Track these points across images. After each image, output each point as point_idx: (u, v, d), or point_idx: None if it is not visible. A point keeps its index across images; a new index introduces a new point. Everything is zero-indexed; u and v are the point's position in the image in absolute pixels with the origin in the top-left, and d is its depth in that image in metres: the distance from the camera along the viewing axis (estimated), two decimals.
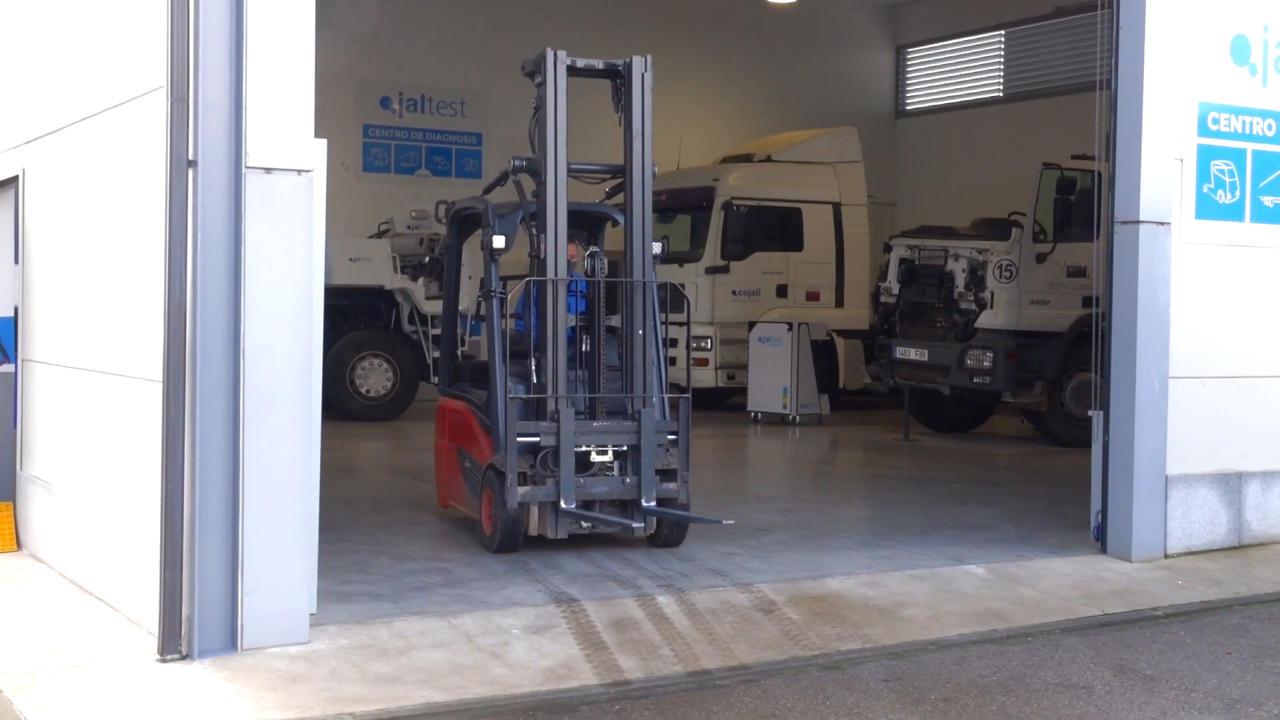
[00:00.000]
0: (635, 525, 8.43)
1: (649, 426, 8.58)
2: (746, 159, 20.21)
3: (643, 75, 9.03)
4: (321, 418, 7.17)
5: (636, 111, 9.06)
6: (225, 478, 6.49)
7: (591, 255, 9.06)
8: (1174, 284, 9.32)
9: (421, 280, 18.23)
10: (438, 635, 6.94)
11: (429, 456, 14.52)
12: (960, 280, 16.01)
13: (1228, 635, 7.54)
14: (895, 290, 16.92)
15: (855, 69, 25.67)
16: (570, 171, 8.89)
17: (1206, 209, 9.54)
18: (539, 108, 8.90)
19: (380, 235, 18.83)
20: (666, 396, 9.00)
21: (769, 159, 20.09)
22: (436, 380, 10.02)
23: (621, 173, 9.13)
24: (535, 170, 8.83)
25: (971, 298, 15.87)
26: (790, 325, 17.85)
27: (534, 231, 8.81)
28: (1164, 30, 9.27)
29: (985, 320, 15.70)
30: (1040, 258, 15.45)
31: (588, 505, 8.51)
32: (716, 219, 19.13)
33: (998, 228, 16.02)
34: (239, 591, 6.50)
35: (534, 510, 8.54)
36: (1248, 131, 9.71)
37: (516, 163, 9.04)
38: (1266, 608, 8.22)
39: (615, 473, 8.62)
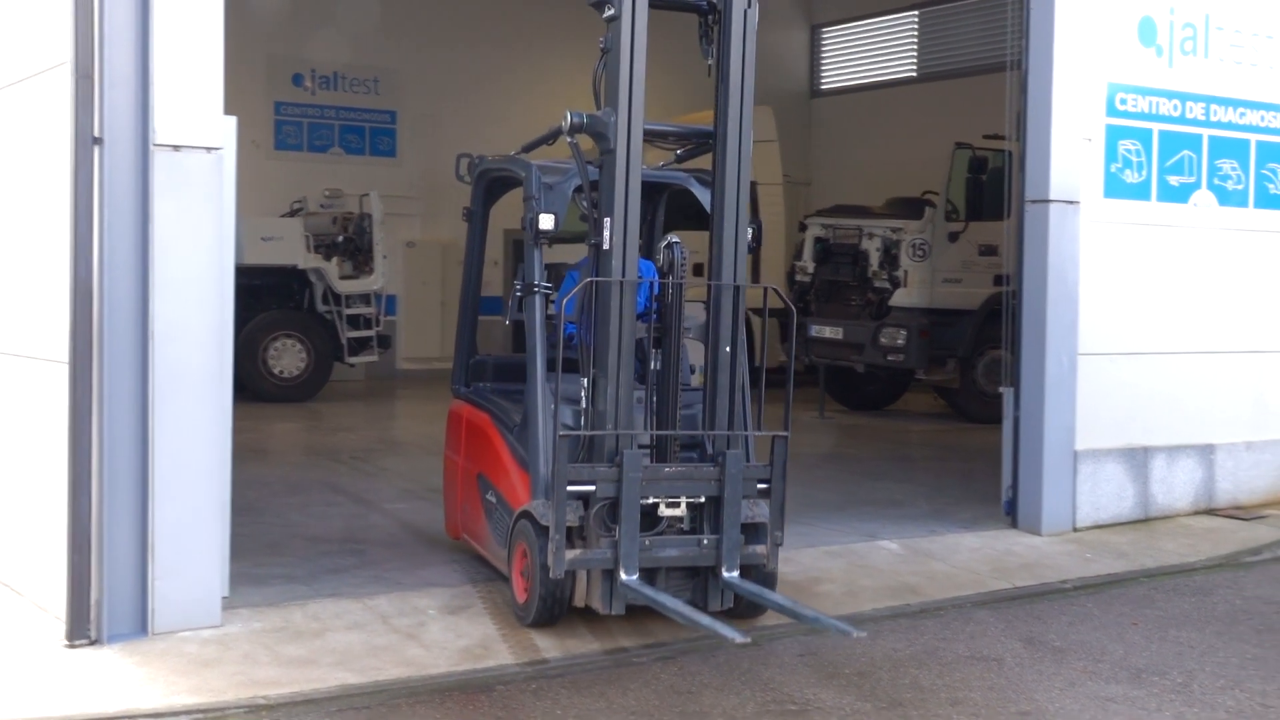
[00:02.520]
0: (736, 637, 5.82)
1: (735, 473, 6.49)
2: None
3: (745, 12, 6.71)
4: (233, 399, 7.09)
5: (735, 59, 6.74)
6: (134, 460, 6.39)
7: (669, 245, 6.70)
8: (1083, 262, 9.46)
9: (335, 260, 18.07)
10: (352, 617, 6.90)
11: (344, 438, 14.51)
12: (874, 259, 16.16)
13: (1134, 606, 7.68)
14: (810, 269, 17.03)
15: (770, 48, 25.59)
16: (645, 134, 6.69)
17: (1114, 188, 9.68)
18: (607, 49, 6.73)
19: (293, 214, 18.62)
20: (755, 435, 6.88)
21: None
22: (452, 385, 8.34)
23: (709, 139, 6.90)
24: (599, 129, 6.61)
25: (885, 276, 16.02)
26: (706, 305, 17.84)
27: (592, 210, 6.65)
28: (1073, 12, 9.40)
29: (899, 298, 15.85)
30: (953, 236, 15.62)
31: (651, 573, 6.49)
32: None
33: (911, 207, 16.17)
34: (149, 575, 6.41)
35: (582, 576, 6.55)
36: (1154, 112, 9.87)
37: (574, 118, 6.70)
38: (1171, 579, 8.38)
39: (688, 529, 6.60)
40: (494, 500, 7.32)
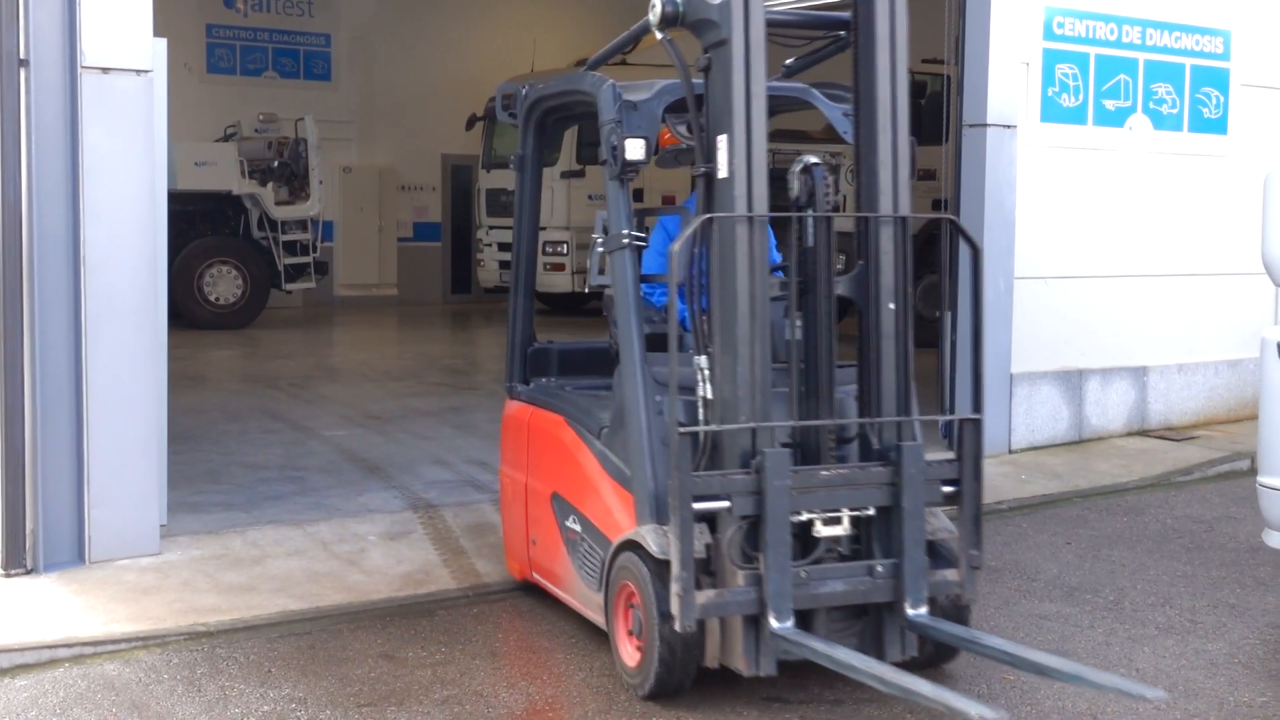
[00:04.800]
0: (986, 714, 3.96)
1: (915, 473, 4.77)
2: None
3: None
4: (169, 327, 7.02)
5: None
6: (68, 389, 6.33)
7: (807, 169, 4.93)
8: (1020, 186, 9.51)
9: (270, 185, 17.88)
10: (293, 544, 6.89)
11: (282, 366, 14.43)
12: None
13: (1068, 526, 7.80)
14: None
15: None
16: (768, 24, 4.86)
17: (1051, 112, 9.72)
18: None
19: (227, 139, 18.38)
20: (922, 420, 5.06)
21: (624, 62, 19.93)
22: (507, 381, 6.45)
23: (846, 29, 5.23)
24: (703, 17, 4.83)
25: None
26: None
27: (700, 130, 4.88)
28: None
29: (839, 224, 15.84)
30: None
31: (808, 616, 4.70)
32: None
33: None
34: (85, 504, 6.36)
35: (713, 626, 4.74)
36: (1091, 35, 9.89)
37: (667, 6, 4.95)
38: (1104, 499, 8.52)
39: (847, 553, 4.86)
40: (578, 529, 5.53)
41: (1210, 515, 8.11)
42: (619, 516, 5.19)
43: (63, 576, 6.25)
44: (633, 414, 5.06)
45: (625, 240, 5.18)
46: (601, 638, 5.39)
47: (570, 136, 18.93)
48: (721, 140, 4.77)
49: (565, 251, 19.06)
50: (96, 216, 6.30)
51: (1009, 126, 9.42)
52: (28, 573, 6.25)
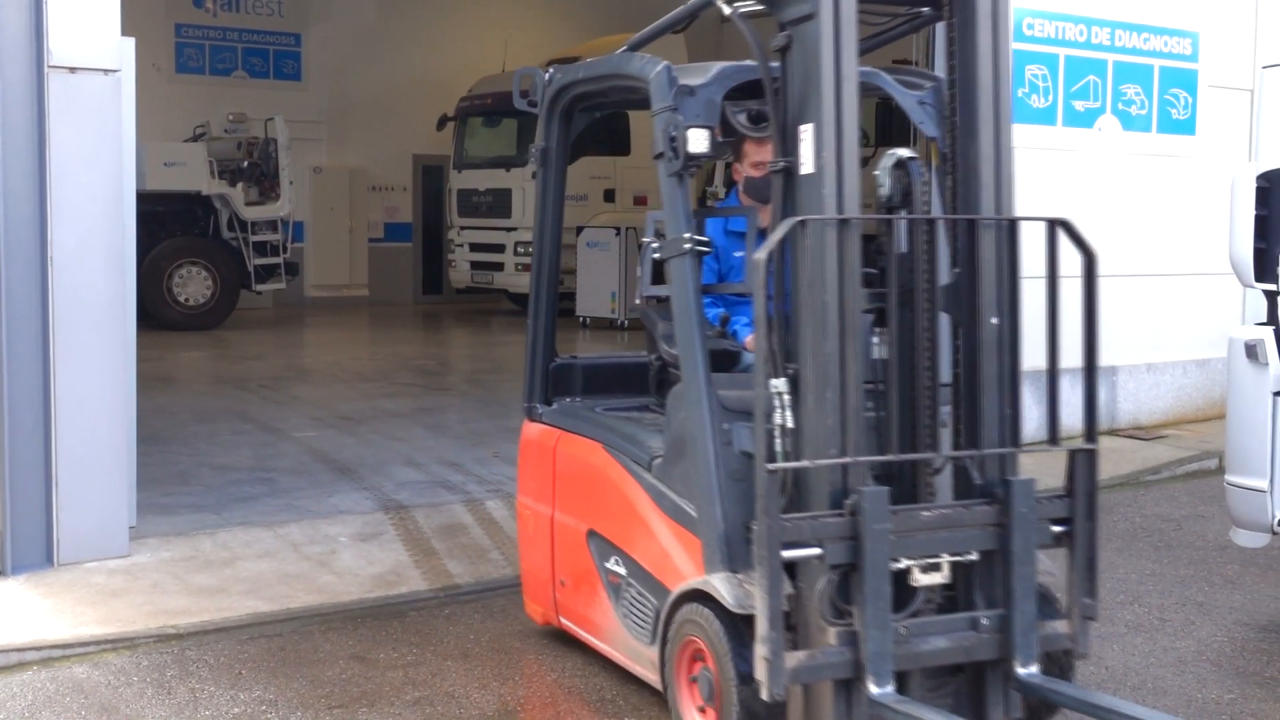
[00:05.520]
0: None
1: (1026, 512, 4.13)
2: (574, 62, 20.04)
3: None
4: (139, 328, 6.99)
5: None
6: (35, 390, 6.28)
7: (901, 164, 4.24)
8: None
9: (240, 185, 17.81)
10: (263, 545, 6.86)
11: (252, 367, 14.37)
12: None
13: None
14: (722, 194, 17.04)
15: None
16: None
17: (1021, 113, 9.73)
18: None
19: (196, 139, 18.31)
20: (1032, 449, 4.43)
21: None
22: (525, 402, 5.73)
23: (941, 4, 4.45)
24: None
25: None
26: (618, 229, 17.87)
27: (780, 117, 4.20)
28: None
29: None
30: (863, 162, 15.63)
31: (902, 677, 4.01)
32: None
33: None
34: (53, 506, 6.32)
35: (797, 692, 4.06)
36: (1060, 36, 9.94)
37: None
38: None
39: (940, 602, 4.18)
40: (622, 572, 4.92)
41: (1179, 514, 8.16)
42: (679, 561, 4.53)
43: (31, 579, 6.21)
44: (697, 444, 4.39)
45: (686, 245, 4.49)
46: (572, 641, 5.39)
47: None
48: (806, 131, 4.08)
49: None
50: (65, 217, 6.27)
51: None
52: None
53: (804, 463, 3.99)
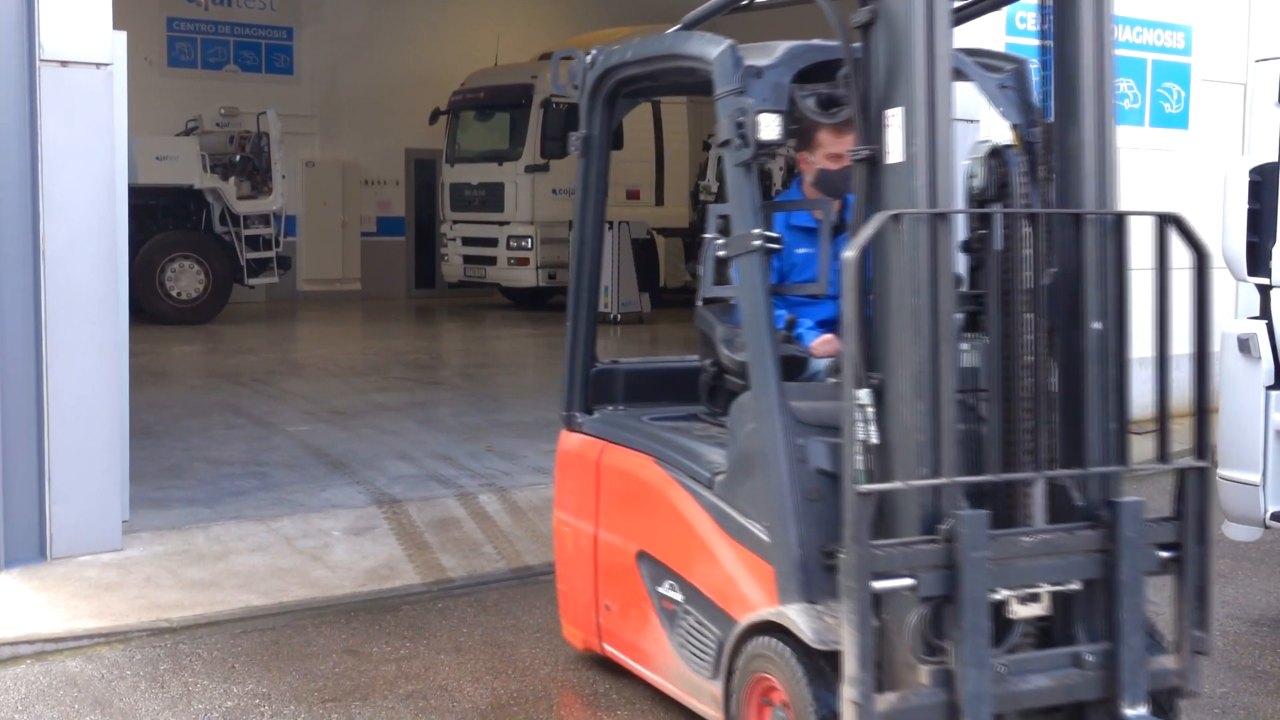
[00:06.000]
0: None
1: (1134, 537, 3.83)
2: (566, 57, 20.02)
3: None
4: (131, 322, 6.98)
5: None
6: (28, 384, 6.27)
7: (996, 152, 3.85)
8: None
9: (233, 179, 17.79)
10: (256, 539, 6.86)
11: (244, 361, 14.35)
12: (778, 178, 16.20)
13: None
14: (715, 188, 17.05)
15: None
16: None
17: None
18: None
19: (188, 133, 18.27)
20: (1141, 470, 4.11)
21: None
22: (564, 410, 5.31)
23: None
24: None
25: None
26: (610, 224, 17.86)
27: (861, 101, 3.81)
28: None
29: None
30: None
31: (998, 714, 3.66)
32: (536, 117, 18.97)
33: None
34: (46, 500, 6.31)
35: None
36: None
37: None
38: None
39: (1036, 635, 3.82)
40: (678, 598, 4.52)
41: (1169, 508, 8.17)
42: (746, 589, 4.12)
43: (24, 573, 6.20)
44: (768, 460, 3.99)
45: (756, 243, 4.07)
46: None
47: (535, 131, 18.91)
48: (893, 115, 3.69)
49: (530, 246, 19.05)
50: (56, 211, 6.25)
51: (973, 121, 9.45)
52: None
53: (897, 484, 3.57)
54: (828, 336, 4.53)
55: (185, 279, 17.47)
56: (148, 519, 7.04)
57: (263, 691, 4.99)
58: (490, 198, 19.48)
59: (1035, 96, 4.19)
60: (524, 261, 19.11)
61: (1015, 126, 4.30)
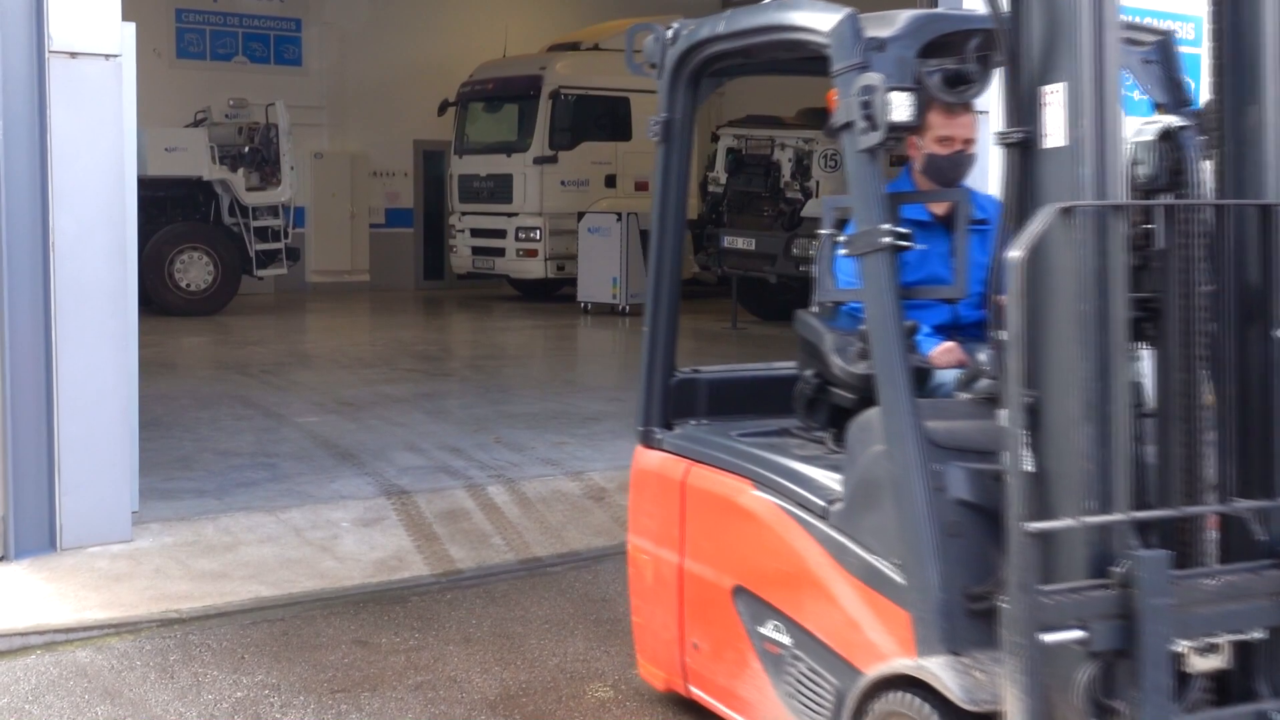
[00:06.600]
0: None
1: None
2: (574, 47, 20.02)
3: None
4: (140, 313, 6.99)
5: None
6: (38, 376, 6.29)
7: (1170, 134, 3.30)
8: (993, 174, 9.54)
9: (241, 171, 17.79)
10: (265, 530, 6.87)
11: (253, 352, 14.37)
12: (786, 169, 16.19)
13: None
14: (723, 180, 17.03)
15: None
16: None
17: None
18: None
19: (197, 125, 18.28)
20: None
21: (596, 47, 19.92)
22: (641, 424, 4.77)
23: None
24: None
25: (798, 187, 16.07)
26: (619, 215, 17.86)
27: (1011, 81, 3.27)
28: None
29: (811, 209, 15.91)
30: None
31: None
32: (544, 108, 18.95)
33: (823, 117, 16.05)
34: (56, 491, 6.33)
35: None
36: None
37: None
38: None
39: (1227, 688, 3.34)
40: (785, 641, 4.01)
41: None
42: (872, 635, 3.61)
43: (34, 564, 6.22)
44: (902, 489, 3.48)
45: (885, 240, 3.56)
46: (574, 625, 5.40)
47: (543, 123, 18.89)
48: (1053, 92, 3.18)
49: (538, 237, 19.05)
50: (66, 203, 6.26)
51: (982, 112, 9.43)
52: None
53: (1069, 521, 3.05)
54: (949, 345, 4.06)
55: (194, 270, 17.49)
56: (157, 510, 7.05)
57: (272, 682, 5.00)
58: (499, 189, 19.47)
59: (1182, 73, 3.78)
60: (532, 253, 19.12)
61: (1160, 106, 3.88)
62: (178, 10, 20.99)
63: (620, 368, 14.62)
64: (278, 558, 6.48)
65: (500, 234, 19.43)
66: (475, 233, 19.86)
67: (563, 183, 19.06)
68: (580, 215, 18.62)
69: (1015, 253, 3.00)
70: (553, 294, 19.70)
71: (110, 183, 6.42)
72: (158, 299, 16.74)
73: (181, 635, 5.52)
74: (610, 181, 19.49)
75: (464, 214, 20.09)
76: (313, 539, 6.77)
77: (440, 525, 7.04)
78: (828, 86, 3.92)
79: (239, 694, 4.89)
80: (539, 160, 18.99)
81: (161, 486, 7.53)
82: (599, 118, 19.44)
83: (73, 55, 6.26)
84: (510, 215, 19.29)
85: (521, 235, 19.11)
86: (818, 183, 15.89)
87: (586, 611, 5.87)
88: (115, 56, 6.41)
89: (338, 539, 6.79)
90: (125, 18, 6.50)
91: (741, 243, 16.62)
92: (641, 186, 19.75)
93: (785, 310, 17.69)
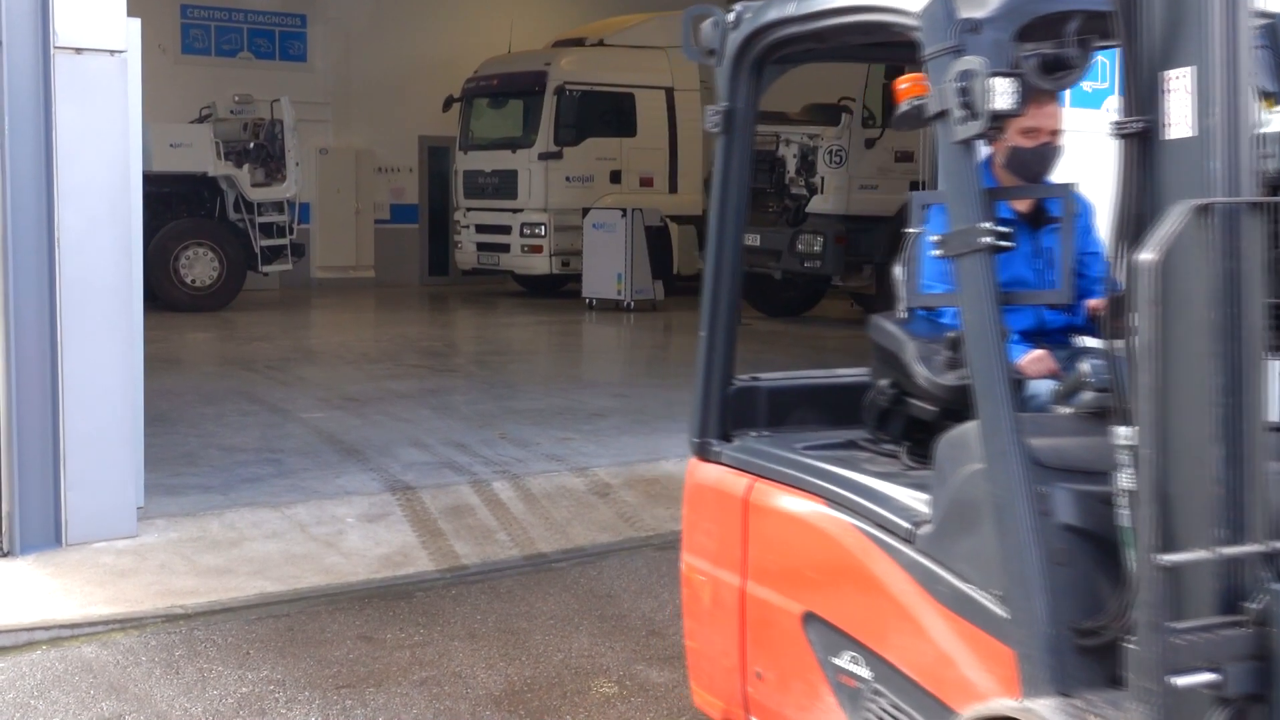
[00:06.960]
0: None
1: None
2: (579, 43, 20.02)
3: None
4: (145, 309, 6.99)
5: None
6: (43, 371, 6.29)
7: None
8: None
9: (246, 167, 17.80)
10: (270, 526, 6.88)
11: (258, 348, 14.38)
12: (791, 165, 16.17)
13: None
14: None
15: None
16: None
17: None
18: None
19: (202, 120, 18.29)
20: None
21: (601, 43, 19.92)
22: (697, 436, 4.36)
23: None
24: None
25: (802, 183, 16.06)
26: (624, 211, 17.85)
27: (1131, 65, 2.92)
28: None
29: (815, 205, 15.91)
30: (869, 143, 15.67)
31: None
32: (549, 104, 18.94)
33: (828, 113, 16.17)
34: (61, 486, 6.34)
35: None
36: None
37: None
38: None
39: None
40: (864, 675, 3.64)
41: None
42: (968, 671, 3.27)
43: (39, 559, 6.22)
44: (1004, 513, 3.14)
45: (985, 240, 3.22)
46: (579, 621, 5.39)
47: (548, 119, 18.89)
48: (1178, 77, 2.86)
49: (543, 234, 19.06)
50: (71, 199, 6.27)
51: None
52: (4, 556, 6.24)
53: (1203, 553, 2.73)
54: (1039, 353, 3.77)
55: (199, 266, 17.50)
56: (162, 506, 7.06)
57: (277, 678, 5.00)
58: (504, 185, 19.47)
59: None
60: (537, 249, 19.11)
61: (1268, 96, 3.53)
62: (183, 6, 21.00)
63: (625, 364, 14.63)
64: (283, 553, 6.48)
65: (505, 230, 19.43)
66: (480, 228, 19.86)
67: (568, 178, 19.06)
68: (585, 211, 18.61)
69: (1149, 255, 2.73)
70: (557, 290, 19.69)
71: (115, 179, 6.43)
72: (163, 295, 16.75)
73: (187, 631, 5.53)
74: (615, 177, 19.48)
75: (469, 210, 20.09)
76: (318, 535, 6.77)
77: (445, 521, 7.04)
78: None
79: (244, 689, 4.89)
80: (544, 156, 18.99)
81: (166, 482, 7.54)
82: (604, 113, 19.44)
83: (78, 51, 6.27)
84: (515, 211, 19.30)
85: (526, 231, 19.11)
86: (823, 178, 15.88)
87: (591, 607, 5.87)
88: (120, 52, 6.41)
89: (343, 535, 6.79)
90: (130, 14, 6.50)
91: (746, 239, 16.56)
92: (646, 182, 19.77)
93: (790, 306, 17.88)
